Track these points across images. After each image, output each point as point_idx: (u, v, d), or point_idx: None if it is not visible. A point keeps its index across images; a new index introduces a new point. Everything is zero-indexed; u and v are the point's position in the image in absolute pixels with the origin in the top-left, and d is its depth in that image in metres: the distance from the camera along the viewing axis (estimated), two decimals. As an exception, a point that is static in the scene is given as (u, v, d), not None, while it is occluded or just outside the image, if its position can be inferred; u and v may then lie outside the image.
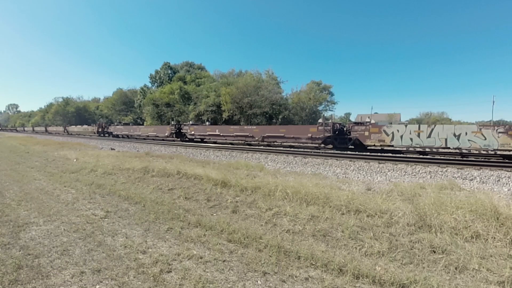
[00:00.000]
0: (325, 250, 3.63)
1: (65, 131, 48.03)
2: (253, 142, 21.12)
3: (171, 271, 3.08)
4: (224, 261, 3.35)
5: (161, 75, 50.15)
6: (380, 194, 5.71)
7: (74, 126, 49.63)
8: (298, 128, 19.19)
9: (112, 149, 19.11)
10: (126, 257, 3.39)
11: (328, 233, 4.11)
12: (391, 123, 19.40)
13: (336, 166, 10.92)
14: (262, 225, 4.57)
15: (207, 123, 30.12)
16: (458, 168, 9.72)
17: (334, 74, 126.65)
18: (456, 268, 3.12)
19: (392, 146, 15.53)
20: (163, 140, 28.35)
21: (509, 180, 8.11)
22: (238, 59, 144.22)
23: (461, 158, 12.55)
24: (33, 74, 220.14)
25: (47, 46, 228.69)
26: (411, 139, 14.22)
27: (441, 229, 3.92)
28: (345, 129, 17.51)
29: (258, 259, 3.37)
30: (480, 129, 12.71)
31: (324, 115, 23.23)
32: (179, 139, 26.73)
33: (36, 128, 66.04)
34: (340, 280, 2.94)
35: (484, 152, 14.30)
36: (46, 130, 57.49)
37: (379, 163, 11.12)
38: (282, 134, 18.91)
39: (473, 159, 12.48)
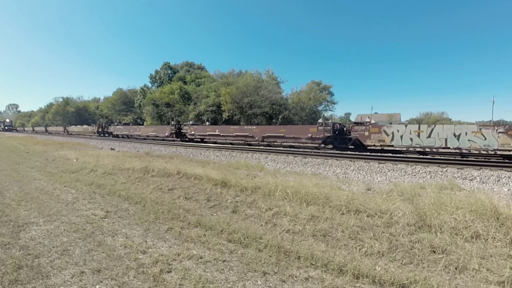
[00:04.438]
0: (325, 250, 3.63)
1: (65, 131, 48.04)
2: (253, 142, 21.12)
3: (171, 271, 3.08)
4: (224, 261, 3.35)
5: (161, 75, 50.13)
6: (380, 194, 5.71)
7: (74, 126, 49.64)
8: (298, 128, 19.19)
9: (112, 149, 19.10)
10: (126, 257, 3.39)
11: (328, 233, 4.10)
12: (391, 123, 19.40)
13: (336, 166, 10.92)
14: (262, 225, 4.57)
15: (207, 123, 30.11)
16: (458, 168, 9.71)
17: (334, 74, 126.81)
18: (456, 268, 3.12)
19: (392, 146, 15.53)
20: (163, 140, 28.34)
21: (509, 180, 8.11)
22: (238, 59, 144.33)
23: (461, 158, 12.55)
24: (33, 74, 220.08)
25: (47, 46, 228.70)
26: (411, 139, 14.22)
27: (441, 229, 3.92)
28: (345, 129, 17.52)
29: (258, 259, 3.37)
30: (480, 129, 12.71)
31: (324, 115, 23.24)
32: (179, 139, 26.73)
33: (36, 128, 66.02)
34: (340, 280, 2.93)
35: (484, 152, 14.29)
36: (46, 130, 57.50)
37: (379, 163, 11.12)
38: (282, 134, 18.91)
39: (473, 159, 12.47)
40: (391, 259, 3.38)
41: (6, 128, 74.79)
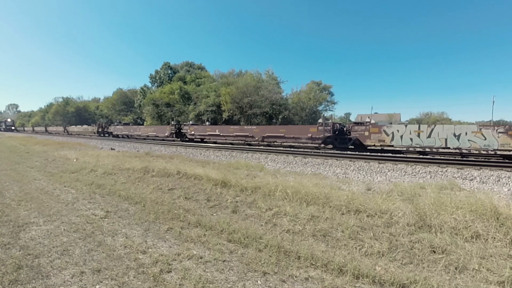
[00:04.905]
0: (325, 250, 3.63)
1: (65, 131, 48.04)
2: (253, 142, 21.12)
3: (171, 271, 3.08)
4: (224, 261, 3.35)
5: (161, 75, 50.11)
6: (380, 194, 5.71)
7: (74, 126, 49.62)
8: (298, 128, 19.20)
9: (112, 149, 19.10)
10: (126, 257, 3.39)
11: (328, 233, 4.10)
12: (391, 123, 19.39)
13: (336, 166, 10.92)
14: (262, 225, 4.57)
15: (207, 123, 30.09)
16: (458, 168, 9.71)
17: (334, 74, 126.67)
18: (456, 268, 3.12)
19: (392, 146, 15.53)
20: (163, 140, 28.35)
21: (509, 180, 8.11)
22: (238, 59, 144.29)
23: (461, 158, 12.55)
24: (33, 74, 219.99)
25: (47, 46, 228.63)
26: (411, 139, 14.22)
27: (441, 229, 3.92)
28: (345, 129, 17.52)
29: (258, 259, 3.37)
30: (480, 129, 12.72)
31: (324, 115, 23.22)
32: (179, 139, 26.73)
33: (36, 128, 66.00)
34: (340, 280, 2.93)
35: (484, 152, 14.30)
36: (46, 130, 57.48)
37: (379, 163, 11.12)
38: (282, 134, 18.91)
39: (473, 159, 12.47)
40: (391, 259, 3.38)
41: (8, 128, 74.72)
